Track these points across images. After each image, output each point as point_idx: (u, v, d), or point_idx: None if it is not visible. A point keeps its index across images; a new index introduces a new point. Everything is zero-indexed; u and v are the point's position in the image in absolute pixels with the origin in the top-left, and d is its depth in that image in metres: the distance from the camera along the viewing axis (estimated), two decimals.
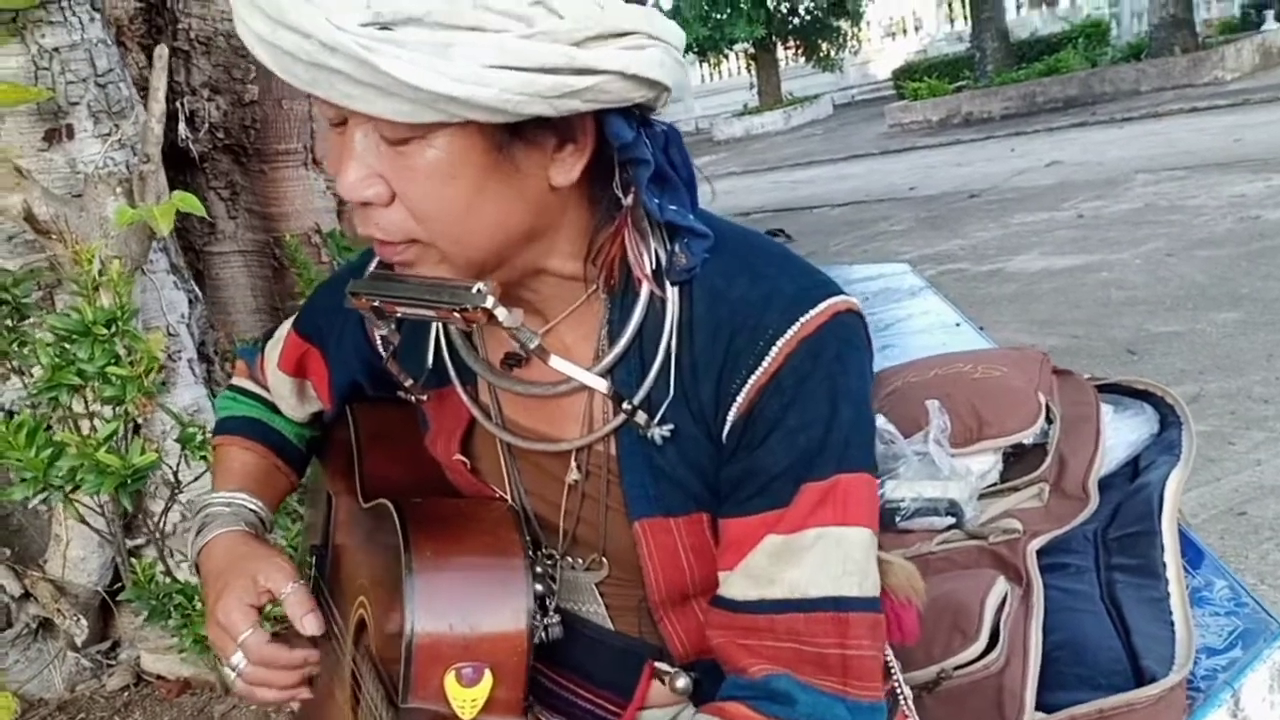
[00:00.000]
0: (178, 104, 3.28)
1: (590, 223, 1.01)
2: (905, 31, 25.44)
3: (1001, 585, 1.73)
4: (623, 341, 1.02)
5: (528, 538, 1.10)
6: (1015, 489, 2.12)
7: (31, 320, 2.36)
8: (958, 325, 3.30)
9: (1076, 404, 2.28)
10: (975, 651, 1.60)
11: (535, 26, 0.82)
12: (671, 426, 1.01)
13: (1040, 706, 1.54)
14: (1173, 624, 1.65)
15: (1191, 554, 1.85)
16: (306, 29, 0.79)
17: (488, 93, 0.81)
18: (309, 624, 1.17)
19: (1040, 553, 1.88)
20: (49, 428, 2.21)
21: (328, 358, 1.32)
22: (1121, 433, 2.24)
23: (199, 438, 2.26)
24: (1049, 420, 2.20)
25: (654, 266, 1.01)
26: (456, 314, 0.93)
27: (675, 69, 0.91)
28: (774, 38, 22.27)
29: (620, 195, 0.96)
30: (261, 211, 3.72)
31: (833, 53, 22.35)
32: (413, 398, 1.20)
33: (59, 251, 2.49)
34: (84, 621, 2.64)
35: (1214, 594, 1.79)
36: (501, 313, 0.92)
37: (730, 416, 0.99)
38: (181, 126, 3.30)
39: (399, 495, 1.19)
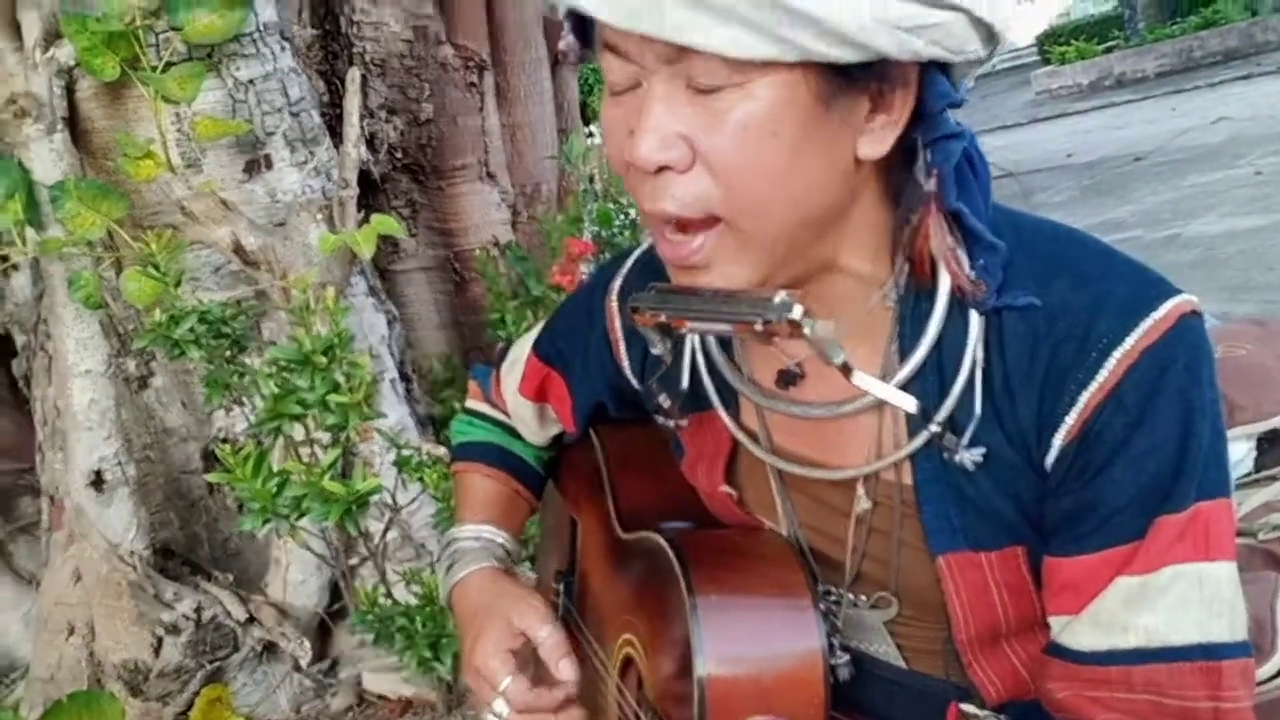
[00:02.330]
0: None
1: (885, 215, 0.92)
2: None
3: None
4: (919, 354, 0.92)
5: (811, 576, 1.02)
6: (1275, 478, 1.96)
7: (247, 350, 2.41)
8: None
9: None
10: (1272, 669, 1.47)
11: None
12: (984, 450, 0.91)
13: None
14: None
15: None
16: None
17: (839, 10, 0.73)
18: (564, 669, 1.11)
19: None
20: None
21: (570, 381, 1.26)
22: None
23: (415, 460, 2.27)
24: None
25: (966, 267, 0.90)
26: (759, 326, 0.83)
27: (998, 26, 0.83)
28: None
29: (922, 180, 0.87)
30: (440, 227, 3.76)
31: None
32: (672, 423, 1.12)
33: (265, 282, 2.54)
34: (307, 643, 2.69)
35: None
36: (809, 323, 0.82)
37: (1057, 440, 0.88)
38: (363, 149, 3.34)
39: (655, 522, 1.14)
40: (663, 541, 1.06)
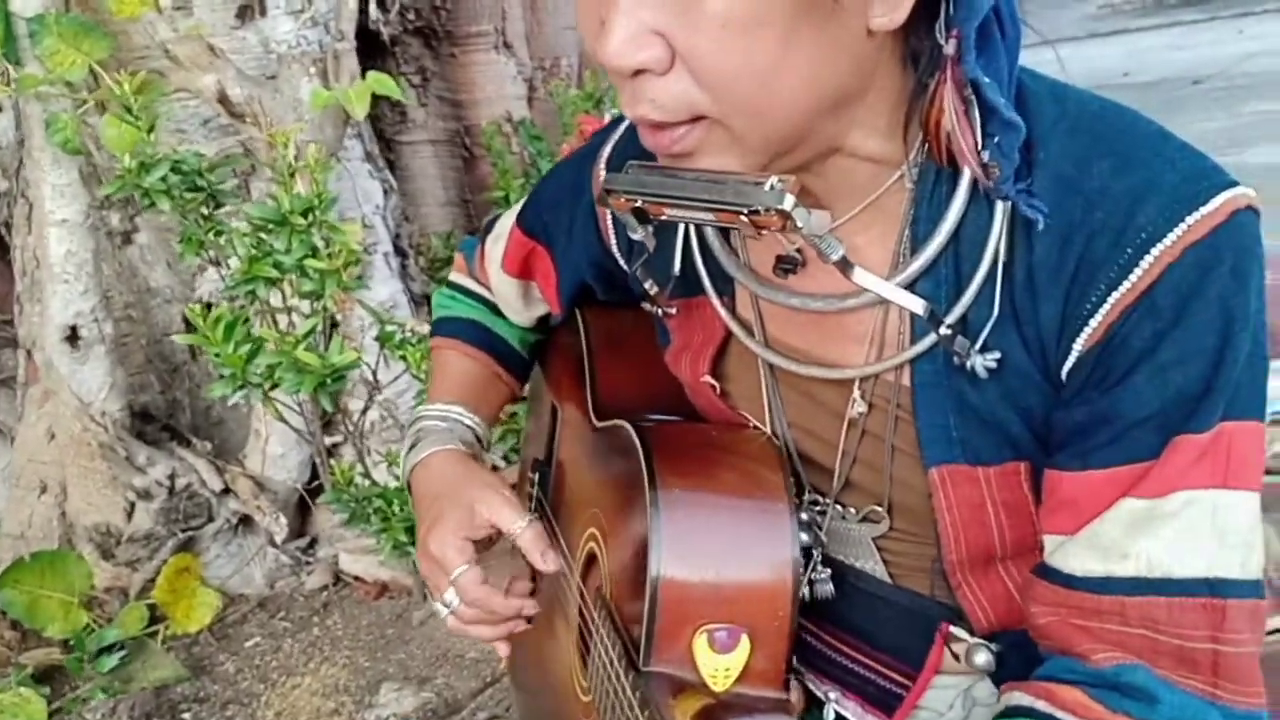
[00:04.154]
0: None
1: (903, 85, 0.79)
2: None
3: None
4: (934, 244, 0.81)
5: (791, 478, 0.92)
6: None
7: (227, 209, 2.27)
8: None
9: None
10: None
11: None
12: (998, 355, 0.80)
13: None
14: None
15: None
16: None
17: None
18: (549, 561, 1.05)
19: None
20: (246, 321, 2.13)
21: (555, 257, 1.16)
22: None
23: (398, 337, 2.14)
24: None
25: (978, 146, 0.77)
26: (744, 217, 0.73)
27: None
28: None
29: (941, 39, 0.74)
30: (452, 98, 3.59)
31: None
32: (659, 310, 1.02)
33: (253, 135, 2.39)
34: (283, 519, 2.61)
35: None
36: (802, 215, 0.72)
37: (1078, 345, 0.78)
38: (372, 6, 3.15)
39: (633, 413, 1.04)
40: (630, 429, 0.98)
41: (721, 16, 0.67)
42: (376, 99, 2.46)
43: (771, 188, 0.71)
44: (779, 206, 0.71)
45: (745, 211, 0.72)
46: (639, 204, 0.80)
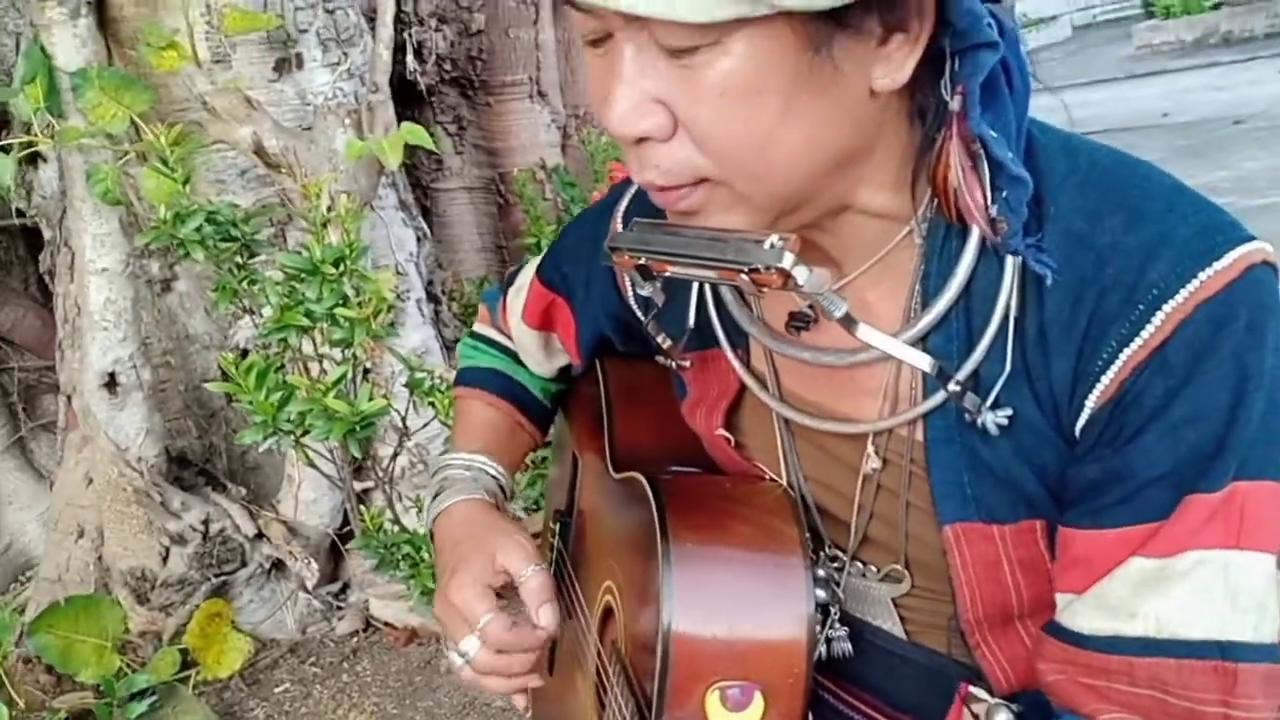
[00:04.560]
0: (405, 35, 3.19)
1: (910, 141, 0.79)
2: None
3: None
4: (943, 300, 0.80)
5: (808, 532, 0.91)
6: None
7: (262, 258, 2.31)
8: None
9: None
10: None
11: None
12: (1009, 412, 0.79)
13: None
14: None
15: None
16: None
17: None
18: (544, 615, 1.03)
19: None
20: (281, 368, 2.16)
21: (575, 308, 1.17)
22: None
23: (427, 383, 2.16)
24: None
25: (985, 201, 0.77)
26: (744, 275, 0.73)
27: None
28: None
29: (946, 96, 0.75)
30: (487, 146, 3.64)
31: None
32: (672, 363, 1.03)
33: (289, 186, 2.43)
34: (314, 564, 2.63)
35: None
36: (802, 273, 0.72)
37: (1090, 402, 0.77)
38: (409, 58, 3.21)
39: (651, 465, 1.03)
40: (644, 482, 0.97)
41: (720, 86, 0.68)
42: (412, 148, 2.50)
43: (771, 246, 0.71)
44: (778, 264, 0.71)
45: (745, 269, 0.72)
46: (642, 261, 0.81)
